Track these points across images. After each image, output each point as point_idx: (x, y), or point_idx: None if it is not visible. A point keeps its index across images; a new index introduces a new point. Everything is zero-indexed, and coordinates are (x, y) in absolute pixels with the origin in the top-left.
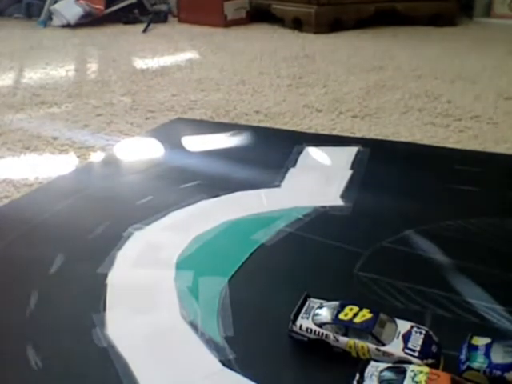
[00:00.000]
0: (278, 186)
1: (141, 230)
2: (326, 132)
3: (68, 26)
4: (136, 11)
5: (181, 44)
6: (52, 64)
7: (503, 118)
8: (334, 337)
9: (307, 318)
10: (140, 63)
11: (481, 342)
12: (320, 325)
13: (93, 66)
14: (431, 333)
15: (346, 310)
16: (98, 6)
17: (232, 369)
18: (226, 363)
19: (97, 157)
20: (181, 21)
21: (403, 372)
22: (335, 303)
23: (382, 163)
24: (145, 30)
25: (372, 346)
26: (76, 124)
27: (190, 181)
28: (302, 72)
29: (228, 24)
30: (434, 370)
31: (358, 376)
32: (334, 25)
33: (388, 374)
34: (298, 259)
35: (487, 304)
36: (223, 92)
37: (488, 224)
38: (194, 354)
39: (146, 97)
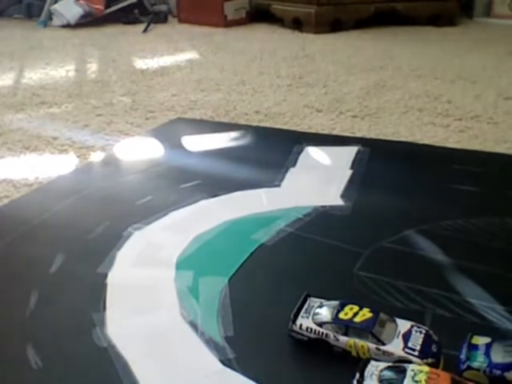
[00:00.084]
0: (278, 185)
1: (141, 229)
2: (326, 132)
3: (68, 26)
4: (136, 11)
5: (181, 44)
6: (52, 64)
7: (503, 118)
8: (334, 336)
9: (307, 318)
10: (140, 63)
11: (481, 341)
12: (320, 324)
13: (93, 66)
14: (431, 332)
15: (346, 309)
16: (97, 6)
17: (232, 368)
18: (225, 363)
19: (97, 157)
20: (181, 21)
21: (403, 371)
22: (335, 302)
23: (382, 163)
24: (145, 30)
25: (372, 346)
26: (76, 124)
27: (190, 180)
28: (302, 72)
29: (228, 24)
30: (434, 370)
31: (358, 375)
32: (333, 25)
33: (388, 374)
34: (298, 259)
35: (487, 304)
36: (223, 92)
37: (488, 224)
38: (193, 353)
39: (146, 97)
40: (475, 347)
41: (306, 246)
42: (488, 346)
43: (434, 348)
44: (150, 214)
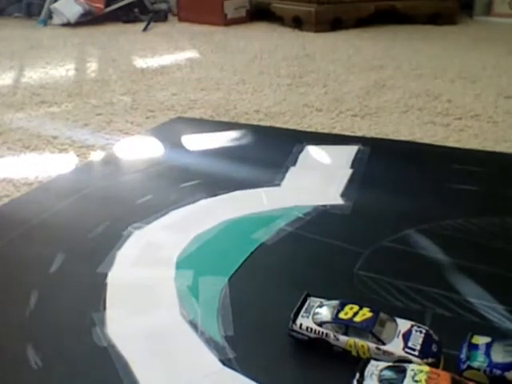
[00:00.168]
0: (279, 184)
1: (141, 229)
2: (326, 131)
3: (68, 24)
4: (136, 10)
5: (181, 43)
6: (52, 63)
7: (503, 117)
8: (334, 336)
9: (307, 317)
10: (140, 62)
11: (481, 341)
12: (320, 324)
13: (93, 65)
14: (431, 332)
15: (346, 308)
16: (97, 5)
17: (232, 368)
18: (225, 362)
19: (97, 156)
20: (181, 20)
21: (403, 371)
22: (335, 302)
23: (383, 162)
24: (145, 29)
25: (372, 345)
26: (76, 123)
27: (190, 180)
28: (302, 71)
29: (228, 23)
30: (434, 369)
31: (358, 375)
32: (334, 24)
33: (388, 373)
34: (299, 258)
35: (487, 303)
36: (223, 91)
37: (488, 224)
38: (193, 353)
39: (146, 96)
40: (475, 347)
41: (306, 246)
42: (488, 346)
43: (434, 348)
44: (150, 213)
